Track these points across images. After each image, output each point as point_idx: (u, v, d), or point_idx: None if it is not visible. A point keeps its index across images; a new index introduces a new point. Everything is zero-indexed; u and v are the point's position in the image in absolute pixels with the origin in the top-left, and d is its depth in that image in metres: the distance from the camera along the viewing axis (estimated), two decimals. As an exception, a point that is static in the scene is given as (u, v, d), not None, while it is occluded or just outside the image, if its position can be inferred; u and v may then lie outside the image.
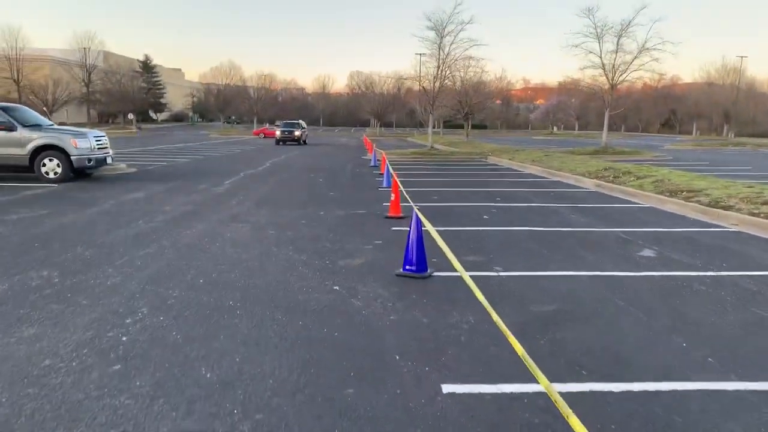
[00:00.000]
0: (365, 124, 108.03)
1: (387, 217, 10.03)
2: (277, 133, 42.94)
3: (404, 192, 10.05)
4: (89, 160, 14.73)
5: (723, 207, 10.55)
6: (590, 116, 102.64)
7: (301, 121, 46.63)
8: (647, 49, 27.51)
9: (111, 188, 13.79)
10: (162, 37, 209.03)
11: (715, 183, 13.52)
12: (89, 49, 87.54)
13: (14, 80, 78.73)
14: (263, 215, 10.17)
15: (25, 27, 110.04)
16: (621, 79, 29.27)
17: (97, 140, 15.28)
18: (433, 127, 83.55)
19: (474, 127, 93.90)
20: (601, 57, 29.08)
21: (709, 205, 10.89)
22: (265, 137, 57.52)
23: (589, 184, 15.83)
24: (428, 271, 6.33)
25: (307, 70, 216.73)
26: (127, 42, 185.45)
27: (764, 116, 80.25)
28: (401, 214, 10.09)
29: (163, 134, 64.94)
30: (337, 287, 5.84)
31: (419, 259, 6.23)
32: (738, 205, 10.53)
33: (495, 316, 3.23)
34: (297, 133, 42.25)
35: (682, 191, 12.36)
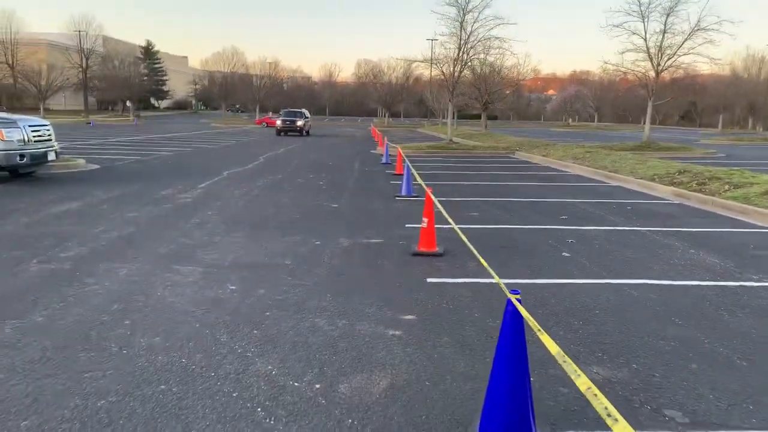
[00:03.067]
0: (372, 113, 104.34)
1: (416, 254, 6.62)
2: (278, 122, 39.43)
3: (437, 204, 6.60)
4: (21, 156, 11.36)
5: None
6: (605, 108, 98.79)
7: (304, 110, 43.04)
8: (702, 29, 23.79)
9: (41, 194, 10.42)
10: (165, 22, 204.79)
11: None
12: (87, 33, 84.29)
13: (8, 65, 75.59)
14: (229, 248, 6.77)
15: (20, 10, 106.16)
16: (668, 64, 25.56)
17: (34, 131, 11.89)
18: (444, 118, 79.71)
19: (489, 117, 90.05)
20: (645, 39, 25.39)
21: None
22: (267, 126, 54.18)
23: (665, 192, 12.33)
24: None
25: (314, 58, 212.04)
26: (129, 27, 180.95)
27: (794, 109, 76.03)
28: (437, 250, 6.67)
29: (161, 123, 61.69)
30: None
31: (515, 402, 2.78)
32: None
33: None
34: (299, 123, 38.72)
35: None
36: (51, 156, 12.24)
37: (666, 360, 3.83)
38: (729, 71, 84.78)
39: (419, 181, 9.40)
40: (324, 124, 72.91)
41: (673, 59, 25.46)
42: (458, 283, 5.54)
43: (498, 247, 7.12)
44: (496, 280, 3.34)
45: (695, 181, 12.37)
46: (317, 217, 8.95)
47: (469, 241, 4.54)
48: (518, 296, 2.72)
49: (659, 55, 25.41)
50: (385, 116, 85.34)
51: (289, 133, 38.99)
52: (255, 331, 4.16)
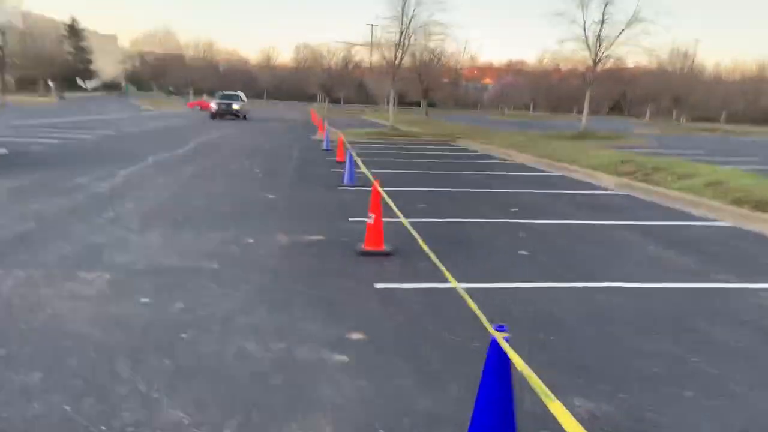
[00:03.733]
0: (312, 99, 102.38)
1: (363, 253, 5.93)
2: (213, 105, 37.59)
3: (384, 197, 5.94)
4: None
5: None
6: (540, 98, 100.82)
7: (240, 93, 41.32)
8: (639, 20, 24.10)
9: (-71, 184, 9.06)
10: None
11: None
12: (2, 6, 78.29)
13: None
14: (147, 248, 5.87)
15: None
16: (605, 53, 25.83)
17: None
18: (386, 104, 79.09)
19: (429, 105, 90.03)
20: (584, 28, 25.53)
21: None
22: (202, 110, 51.85)
23: (610, 183, 12.14)
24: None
25: (250, 41, 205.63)
26: (52, 2, 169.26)
27: (715, 101, 79.93)
28: (385, 248, 6.01)
29: (87, 104, 58.05)
30: None
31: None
32: None
33: None
34: (236, 106, 37.06)
35: (768, 202, 8.79)
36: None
37: (655, 386, 3.31)
38: (656, 64, 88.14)
39: (363, 169, 8.69)
40: (262, 108, 70.80)
41: (610, 49, 25.74)
42: (410, 289, 4.91)
43: (450, 244, 6.53)
44: (453, 284, 2.74)
45: (640, 171, 12.25)
46: (252, 209, 8.11)
47: (419, 236, 3.91)
48: (505, 334, 2.07)
49: (597, 44, 25.62)
50: (325, 102, 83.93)
51: (225, 117, 37.30)
52: (166, 361, 3.37)
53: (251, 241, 6.33)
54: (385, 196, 5.73)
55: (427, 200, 9.41)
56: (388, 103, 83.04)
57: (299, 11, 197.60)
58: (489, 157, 17.90)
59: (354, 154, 10.70)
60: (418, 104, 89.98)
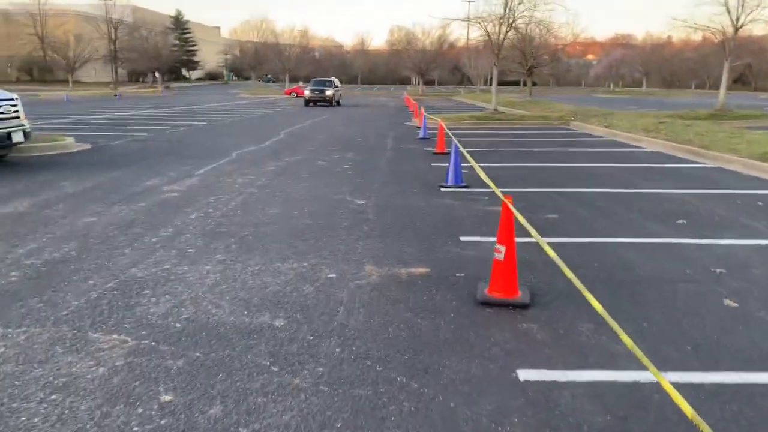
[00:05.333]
0: (405, 81, 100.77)
1: (485, 302, 4.11)
2: (306, 92, 36.83)
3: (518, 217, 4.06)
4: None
5: None
6: (653, 73, 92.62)
7: (334, 79, 40.30)
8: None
9: (-9, 189, 8.22)
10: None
11: None
12: (115, 2, 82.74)
13: (38, 36, 74.68)
14: (192, 288, 4.38)
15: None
16: (750, 18, 21.97)
17: (-6, 106, 9.68)
18: (483, 84, 75.91)
19: (524, 84, 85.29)
20: (724, -12, 21.78)
21: None
22: (297, 97, 51.71)
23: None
24: None
25: (346, 27, 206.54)
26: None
27: None
28: (519, 297, 4.15)
29: (190, 94, 59.92)
30: None
31: None
32: None
33: None
34: (328, 92, 36.06)
35: None
36: (17, 137, 10.04)
37: None
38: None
39: (472, 163, 6.76)
40: (356, 93, 70.10)
41: (757, 11, 21.83)
42: (577, 383, 3.03)
43: (613, 283, 4.55)
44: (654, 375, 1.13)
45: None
46: (336, 223, 6.49)
47: (565, 269, 2.14)
48: None
49: (741, 6, 21.81)
50: (418, 84, 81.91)
51: (318, 104, 36.46)
52: None
53: (332, 275, 4.69)
54: (518, 215, 3.84)
55: (557, 206, 7.38)
56: (485, 83, 79.70)
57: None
58: (615, 143, 15.30)
59: (459, 145, 8.81)
60: (516, 83, 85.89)
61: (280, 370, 3.15)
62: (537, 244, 3.73)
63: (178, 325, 3.73)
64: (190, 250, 5.36)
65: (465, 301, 4.17)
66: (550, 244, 3.29)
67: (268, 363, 3.22)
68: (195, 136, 16.59)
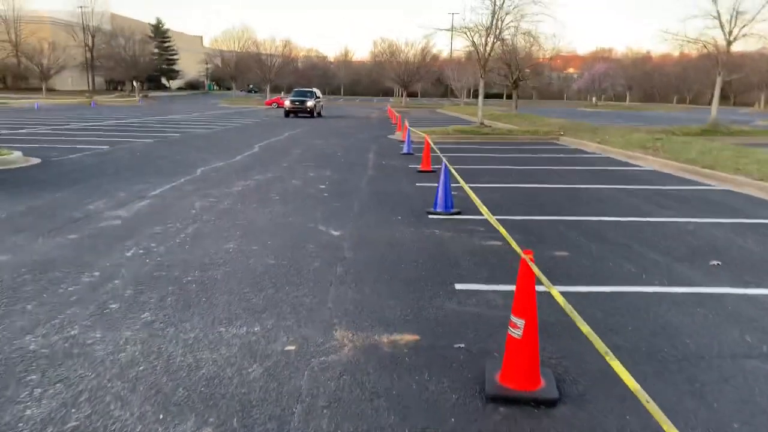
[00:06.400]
0: (388, 93, 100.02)
1: (495, 397, 3.00)
2: (286, 103, 35.64)
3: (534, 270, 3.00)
4: None
5: None
6: (635, 87, 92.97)
7: (315, 90, 39.17)
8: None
9: None
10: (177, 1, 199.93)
11: None
12: (92, 9, 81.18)
13: (10, 42, 72.64)
14: (102, 374, 3.20)
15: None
16: (742, 32, 21.39)
17: None
18: (467, 97, 75.35)
19: (507, 97, 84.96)
20: (715, 1, 21.21)
21: None
22: (278, 107, 50.50)
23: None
24: None
25: (328, 39, 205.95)
26: (139, 4, 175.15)
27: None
28: (542, 388, 3.04)
29: (168, 103, 58.41)
30: None
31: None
32: None
33: None
34: (309, 103, 34.91)
35: None
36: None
37: None
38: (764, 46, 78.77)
39: (463, 185, 5.65)
40: (338, 104, 69.17)
41: (749, 26, 21.26)
42: None
43: (660, 362, 3.47)
44: None
45: None
46: (303, 262, 5.35)
47: (595, 339, 1.95)
48: None
49: (733, 21, 21.22)
50: (401, 96, 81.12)
51: (298, 115, 35.28)
52: None
53: (290, 348, 3.55)
54: (534, 267, 2.76)
55: (564, 240, 6.33)
56: (469, 95, 78.96)
57: (378, 5, 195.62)
58: (612, 161, 14.38)
59: (448, 164, 7.73)
60: (499, 96, 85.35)
61: None
62: (548, 295, 2.69)
63: (57, 440, 2.56)
64: (112, 306, 4.19)
65: (470, 393, 3.06)
66: (564, 294, 2.30)
67: None
68: (162, 149, 15.35)
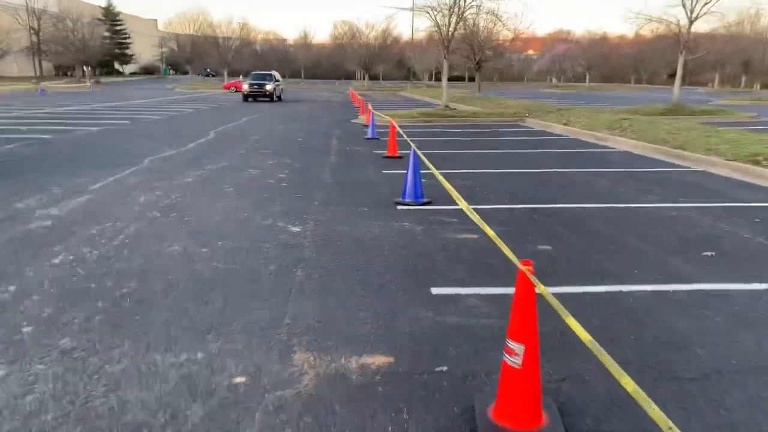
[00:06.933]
0: (350, 76, 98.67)
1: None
2: (244, 87, 34.43)
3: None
4: None
5: None
6: (594, 68, 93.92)
7: (274, 73, 37.96)
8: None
9: None
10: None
11: None
12: (38, -9, 77.12)
13: (-54, 26, 68.50)
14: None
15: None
16: (704, 11, 21.34)
17: None
18: (429, 80, 74.79)
19: (469, 79, 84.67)
20: (678, -20, 21.07)
21: None
22: (237, 91, 48.99)
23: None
24: None
25: (288, 21, 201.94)
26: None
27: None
28: (549, 426, 2.50)
29: (121, 89, 56.07)
30: None
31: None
32: None
33: None
34: (269, 87, 33.80)
35: None
36: None
37: None
38: (722, 26, 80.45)
39: (432, 170, 5.08)
40: (299, 87, 67.78)
41: (710, 3, 21.21)
42: None
43: (676, 382, 2.98)
44: None
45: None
46: (258, 265, 4.71)
47: (599, 352, 1.72)
48: None
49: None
50: (364, 79, 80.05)
51: (257, 99, 34.16)
52: None
53: (239, 380, 2.93)
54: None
55: (544, 231, 5.84)
56: (431, 78, 78.29)
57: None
58: (581, 143, 14.03)
59: (417, 150, 7.15)
60: (461, 78, 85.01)
61: None
62: (540, 297, 2.17)
63: None
64: (25, 329, 3.49)
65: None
66: (557, 295, 1.80)
67: None
68: (108, 137, 14.34)
